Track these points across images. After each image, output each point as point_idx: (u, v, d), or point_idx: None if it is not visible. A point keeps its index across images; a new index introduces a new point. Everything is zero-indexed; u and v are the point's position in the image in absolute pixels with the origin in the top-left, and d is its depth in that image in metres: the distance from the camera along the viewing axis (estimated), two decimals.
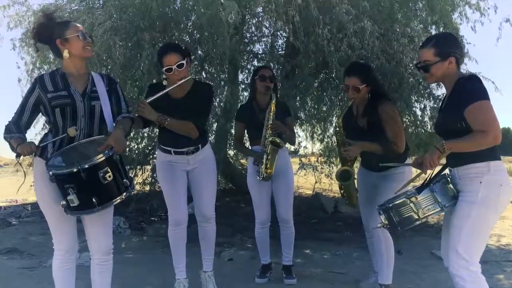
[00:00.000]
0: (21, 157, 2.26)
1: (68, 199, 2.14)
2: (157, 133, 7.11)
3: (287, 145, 3.76)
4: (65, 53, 2.38)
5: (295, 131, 4.79)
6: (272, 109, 3.33)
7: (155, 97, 2.80)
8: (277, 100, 3.42)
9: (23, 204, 7.61)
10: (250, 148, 3.63)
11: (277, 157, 3.34)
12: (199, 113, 3.05)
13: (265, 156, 3.32)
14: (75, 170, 2.11)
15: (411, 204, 2.29)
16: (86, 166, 2.12)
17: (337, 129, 3.15)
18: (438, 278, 3.67)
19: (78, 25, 2.46)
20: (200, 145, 3.08)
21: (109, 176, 2.17)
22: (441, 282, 3.54)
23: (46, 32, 2.41)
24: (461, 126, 2.17)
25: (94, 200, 2.16)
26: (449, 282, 2.26)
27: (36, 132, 5.73)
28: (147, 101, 2.79)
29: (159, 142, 3.17)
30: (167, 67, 2.90)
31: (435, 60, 2.28)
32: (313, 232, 5.44)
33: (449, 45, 2.31)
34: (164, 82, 2.99)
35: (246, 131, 3.68)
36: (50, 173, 2.16)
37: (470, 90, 2.18)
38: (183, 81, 2.91)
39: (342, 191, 3.32)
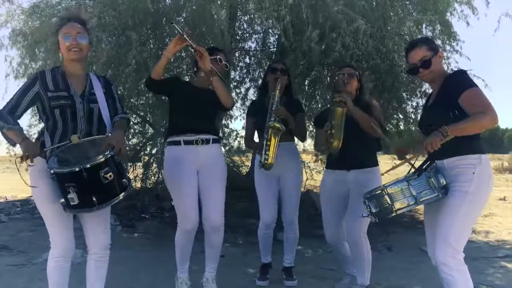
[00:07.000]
0: (27, 159, 2.12)
1: (68, 198, 2.13)
2: (148, 129, 7.20)
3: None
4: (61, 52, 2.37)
5: None
6: (277, 94, 3.15)
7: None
8: (290, 97, 3.41)
9: (12, 200, 7.55)
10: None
11: (277, 142, 3.10)
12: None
13: (265, 142, 3.10)
14: (77, 169, 2.10)
15: (409, 187, 2.28)
16: (88, 166, 2.12)
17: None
18: (428, 274, 3.69)
19: (74, 24, 2.35)
20: (211, 138, 2.95)
21: (110, 176, 2.16)
22: (431, 278, 3.57)
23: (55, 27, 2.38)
24: (454, 116, 2.20)
25: (94, 199, 2.15)
26: (438, 278, 2.28)
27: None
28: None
29: (168, 134, 3.01)
30: (219, 57, 3.05)
31: (431, 54, 2.36)
32: (304, 229, 5.40)
33: (433, 42, 2.46)
34: (202, 74, 2.95)
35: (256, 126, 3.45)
36: (52, 171, 2.14)
37: (461, 80, 2.28)
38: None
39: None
